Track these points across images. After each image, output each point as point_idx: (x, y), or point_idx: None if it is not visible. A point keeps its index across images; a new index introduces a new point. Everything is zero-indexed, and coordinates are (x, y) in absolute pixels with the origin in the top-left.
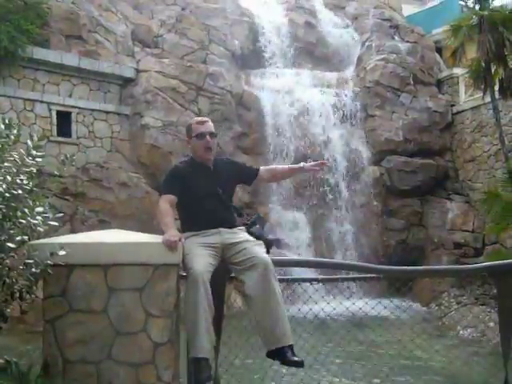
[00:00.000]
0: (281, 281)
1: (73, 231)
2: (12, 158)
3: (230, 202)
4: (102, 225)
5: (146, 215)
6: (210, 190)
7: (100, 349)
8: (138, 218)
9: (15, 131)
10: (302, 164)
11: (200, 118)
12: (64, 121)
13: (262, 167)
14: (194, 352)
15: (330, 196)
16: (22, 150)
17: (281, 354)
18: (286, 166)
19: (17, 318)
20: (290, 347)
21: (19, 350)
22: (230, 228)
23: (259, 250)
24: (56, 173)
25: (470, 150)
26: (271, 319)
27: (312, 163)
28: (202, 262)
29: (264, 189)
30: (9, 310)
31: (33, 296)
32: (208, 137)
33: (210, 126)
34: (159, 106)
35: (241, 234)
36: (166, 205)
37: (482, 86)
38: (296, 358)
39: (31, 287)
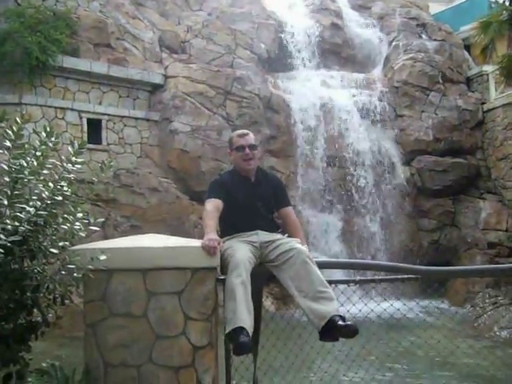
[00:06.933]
0: None
1: (105, 237)
2: (50, 166)
3: (270, 214)
4: (134, 230)
5: (177, 220)
6: (249, 201)
7: (140, 352)
8: (169, 222)
9: (53, 139)
10: (305, 246)
11: (241, 132)
12: (94, 128)
13: (290, 209)
14: (233, 324)
15: (361, 197)
16: (63, 157)
17: (331, 327)
18: (295, 235)
19: (52, 323)
20: (340, 317)
21: (55, 355)
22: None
23: (295, 243)
24: (93, 179)
25: (502, 148)
26: (316, 292)
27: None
28: (244, 252)
29: (294, 191)
30: (51, 315)
31: (67, 301)
32: (247, 149)
33: (250, 138)
34: (188, 111)
35: (277, 235)
36: (211, 207)
37: None
38: (348, 322)
39: (72, 292)
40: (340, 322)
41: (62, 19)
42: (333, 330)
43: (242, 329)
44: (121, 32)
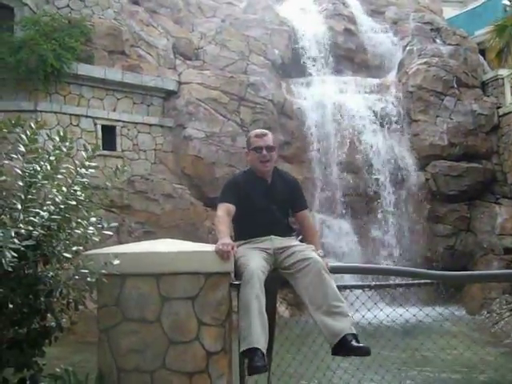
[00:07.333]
0: None
1: (119, 243)
2: (64, 171)
3: (285, 216)
4: (148, 236)
5: (191, 226)
6: (264, 203)
7: (154, 358)
8: (183, 228)
9: (67, 143)
10: (320, 251)
11: (259, 131)
12: (109, 134)
13: (306, 212)
14: (248, 343)
15: (375, 203)
16: (76, 161)
17: (344, 345)
18: (311, 238)
19: (67, 329)
20: (354, 336)
21: (70, 361)
22: (281, 237)
23: (311, 252)
24: (107, 184)
25: None
26: (330, 307)
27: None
28: (257, 261)
29: (308, 197)
30: (64, 320)
31: (81, 306)
32: (264, 150)
33: (269, 139)
34: (202, 118)
35: (292, 241)
36: (222, 213)
37: None
38: (361, 344)
39: (85, 297)
40: (353, 343)
41: (76, 27)
42: (345, 347)
43: (256, 349)
44: (135, 39)
